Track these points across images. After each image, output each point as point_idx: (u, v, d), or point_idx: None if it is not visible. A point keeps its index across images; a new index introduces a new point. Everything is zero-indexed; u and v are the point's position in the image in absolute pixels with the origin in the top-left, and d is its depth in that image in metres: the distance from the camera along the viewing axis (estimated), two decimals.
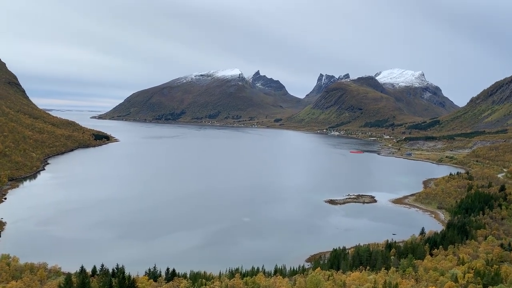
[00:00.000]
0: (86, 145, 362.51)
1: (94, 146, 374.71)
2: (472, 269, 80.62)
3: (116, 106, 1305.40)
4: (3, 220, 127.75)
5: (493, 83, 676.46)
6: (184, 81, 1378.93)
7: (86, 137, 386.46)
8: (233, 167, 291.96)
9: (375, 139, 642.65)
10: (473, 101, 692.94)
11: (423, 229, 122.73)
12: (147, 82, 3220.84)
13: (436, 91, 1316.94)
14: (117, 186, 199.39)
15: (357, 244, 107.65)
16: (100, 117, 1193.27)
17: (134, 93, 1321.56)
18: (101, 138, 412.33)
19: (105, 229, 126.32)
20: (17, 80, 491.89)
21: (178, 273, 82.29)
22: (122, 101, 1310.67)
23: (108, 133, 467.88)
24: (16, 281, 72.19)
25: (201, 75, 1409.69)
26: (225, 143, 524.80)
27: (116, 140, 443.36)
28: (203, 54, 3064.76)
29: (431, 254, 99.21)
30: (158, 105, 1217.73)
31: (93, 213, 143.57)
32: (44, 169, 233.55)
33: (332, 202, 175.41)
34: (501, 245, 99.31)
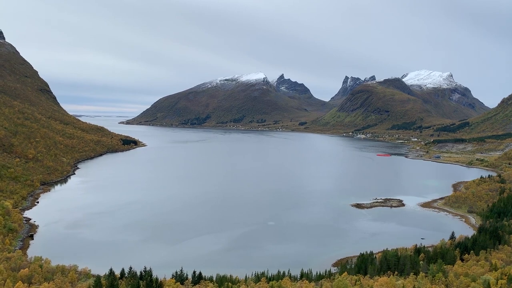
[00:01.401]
0: (114, 150, 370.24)
1: (122, 150, 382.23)
2: (506, 275, 77.88)
3: (143, 111, 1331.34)
4: (36, 223, 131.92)
5: None
6: (209, 86, 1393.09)
7: (114, 142, 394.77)
8: (258, 170, 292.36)
9: (402, 142, 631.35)
10: (504, 102, 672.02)
11: (453, 233, 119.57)
12: (173, 88, 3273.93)
13: (465, 92, 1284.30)
14: (144, 189, 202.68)
15: (385, 249, 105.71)
16: (128, 122, 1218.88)
17: (160, 99, 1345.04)
18: (129, 143, 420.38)
19: (132, 231, 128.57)
20: (48, 87, 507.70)
21: (205, 276, 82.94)
22: (149, 106, 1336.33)
23: (136, 138, 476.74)
24: (48, 283, 74.42)
25: (226, 80, 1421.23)
26: (250, 147, 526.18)
27: (143, 145, 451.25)
28: (227, 59, 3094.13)
29: (462, 260, 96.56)
30: (184, 110, 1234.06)
31: (121, 216, 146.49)
32: (74, 174, 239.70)
33: (358, 206, 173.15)
34: None
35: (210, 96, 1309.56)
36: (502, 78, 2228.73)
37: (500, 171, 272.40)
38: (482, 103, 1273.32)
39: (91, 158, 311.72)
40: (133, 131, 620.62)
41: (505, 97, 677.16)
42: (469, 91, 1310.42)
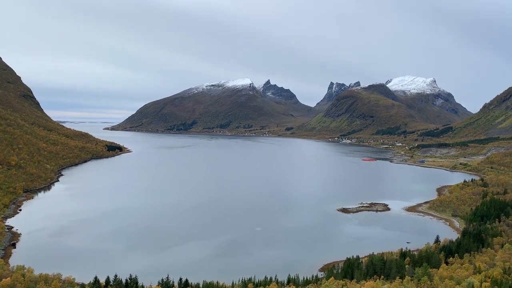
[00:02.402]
0: (99, 156, 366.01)
1: (107, 157, 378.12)
2: (489, 278, 79.18)
3: (129, 117, 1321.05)
4: (18, 231, 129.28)
5: (506, 88, 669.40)
6: (196, 91, 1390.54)
7: (99, 148, 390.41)
8: (244, 176, 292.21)
9: (387, 147, 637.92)
10: (486, 107, 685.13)
11: (437, 237, 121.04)
12: (158, 93, 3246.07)
13: (448, 97, 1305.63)
14: (129, 196, 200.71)
15: (371, 253, 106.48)
16: (113, 128, 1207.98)
17: (146, 104, 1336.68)
18: (114, 149, 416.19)
19: (118, 239, 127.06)
20: (31, 93, 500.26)
21: (191, 283, 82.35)
22: (134, 112, 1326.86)
23: (121, 144, 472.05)
24: None
25: (212, 85, 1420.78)
26: (237, 152, 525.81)
27: (128, 151, 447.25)
28: (214, 65, 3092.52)
29: (447, 263, 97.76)
30: (170, 116, 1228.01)
31: (106, 223, 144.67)
32: (58, 181, 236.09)
33: (345, 210, 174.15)
34: None
35: (196, 102, 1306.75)
36: (484, 83, 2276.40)
37: (482, 175, 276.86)
38: (465, 108, 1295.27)
39: (76, 164, 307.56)
40: (118, 137, 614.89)
41: (487, 102, 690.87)
42: (452, 97, 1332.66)
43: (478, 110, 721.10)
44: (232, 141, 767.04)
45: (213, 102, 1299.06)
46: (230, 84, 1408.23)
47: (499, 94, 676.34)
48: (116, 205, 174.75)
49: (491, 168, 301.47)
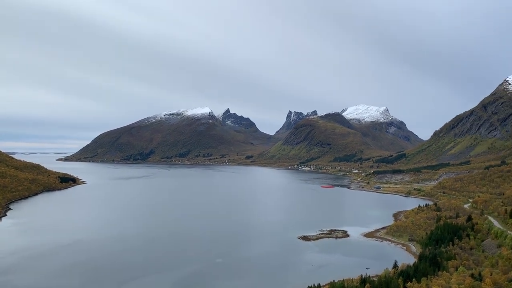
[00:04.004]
0: (51, 189, 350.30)
1: (60, 189, 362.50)
2: None
3: (83, 147, 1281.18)
4: None
5: (454, 116, 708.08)
6: (153, 120, 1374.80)
7: (51, 180, 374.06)
8: (204, 206, 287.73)
9: (344, 174, 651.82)
10: (436, 134, 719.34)
11: (396, 262, 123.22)
12: (115, 123, 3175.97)
13: (400, 125, 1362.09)
14: (84, 229, 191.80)
15: (332, 281, 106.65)
16: (67, 159, 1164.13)
17: (101, 134, 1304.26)
18: (67, 181, 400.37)
19: (71, 275, 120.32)
20: None
21: None
22: (89, 142, 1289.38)
23: (75, 175, 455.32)
24: None
25: (171, 114, 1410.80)
26: (196, 182, 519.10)
27: (83, 182, 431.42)
28: (172, 94, 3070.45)
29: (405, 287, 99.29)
30: (127, 145, 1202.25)
31: (58, 259, 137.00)
32: (5, 215, 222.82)
33: (305, 238, 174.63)
34: (472, 275, 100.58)
35: (154, 131, 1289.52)
36: (434, 112, 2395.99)
37: (436, 200, 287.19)
38: (417, 135, 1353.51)
39: (26, 197, 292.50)
40: (72, 168, 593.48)
41: (437, 130, 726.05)
42: (404, 125, 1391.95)
43: (429, 137, 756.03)
44: (191, 170, 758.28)
45: (172, 131, 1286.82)
46: (189, 112, 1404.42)
47: (447, 122, 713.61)
48: (69, 239, 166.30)
49: (443, 193, 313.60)
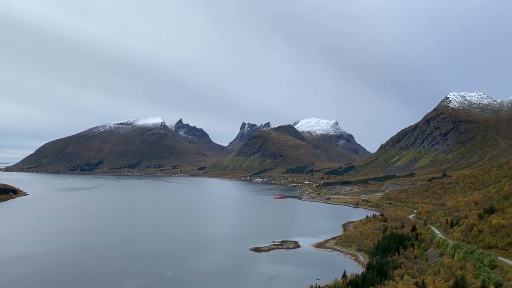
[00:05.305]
0: None
1: None
2: None
3: (26, 157, 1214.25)
4: None
5: (399, 130, 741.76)
6: (102, 129, 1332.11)
7: None
8: (154, 218, 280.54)
9: (296, 185, 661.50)
10: (382, 147, 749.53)
11: (344, 272, 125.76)
12: (61, 132, 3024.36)
13: (349, 138, 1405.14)
14: (26, 243, 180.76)
15: None
16: (7, 169, 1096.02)
17: (46, 143, 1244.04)
18: (7, 192, 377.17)
19: None
20: None
21: None
22: (34, 151, 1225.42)
23: (16, 186, 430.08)
24: None
25: (121, 124, 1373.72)
26: (146, 193, 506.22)
27: (25, 194, 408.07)
28: (123, 103, 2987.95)
29: None
30: (73, 155, 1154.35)
31: None
32: None
33: (257, 249, 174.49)
34: (416, 284, 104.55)
35: (103, 141, 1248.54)
36: (380, 126, 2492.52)
37: (382, 211, 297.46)
38: (365, 148, 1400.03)
39: None
40: (13, 179, 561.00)
41: (383, 143, 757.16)
42: (353, 137, 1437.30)
43: (376, 150, 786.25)
44: (141, 182, 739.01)
45: (122, 141, 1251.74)
46: (140, 122, 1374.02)
47: (393, 135, 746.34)
48: (9, 255, 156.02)
49: (389, 203, 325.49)
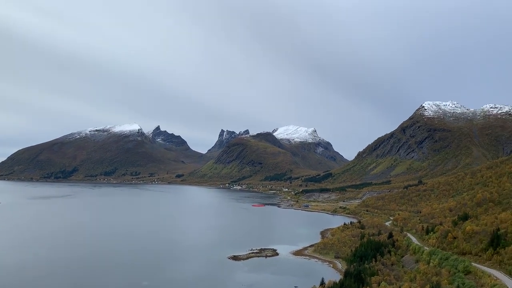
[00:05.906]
0: None
1: None
2: None
3: None
4: None
5: (376, 139, 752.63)
6: (78, 136, 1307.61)
7: None
8: (130, 227, 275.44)
9: (275, 192, 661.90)
10: (360, 155, 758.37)
11: (322, 279, 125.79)
12: (34, 138, 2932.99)
13: (327, 146, 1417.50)
14: None
15: None
16: None
17: (19, 150, 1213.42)
18: None
19: None
20: None
21: None
22: (5, 159, 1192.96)
23: None
24: None
25: (97, 130, 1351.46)
26: (122, 202, 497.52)
27: None
28: (99, 109, 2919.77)
29: None
30: (47, 163, 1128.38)
31: None
32: None
33: (235, 258, 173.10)
34: None
35: (78, 148, 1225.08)
36: (357, 134, 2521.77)
37: (360, 218, 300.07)
38: (342, 156, 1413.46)
39: None
40: None
41: (360, 151, 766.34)
42: (331, 145, 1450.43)
43: (353, 158, 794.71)
44: (117, 190, 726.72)
45: (97, 148, 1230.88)
46: (117, 129, 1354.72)
47: (370, 143, 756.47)
48: None
49: (367, 211, 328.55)
